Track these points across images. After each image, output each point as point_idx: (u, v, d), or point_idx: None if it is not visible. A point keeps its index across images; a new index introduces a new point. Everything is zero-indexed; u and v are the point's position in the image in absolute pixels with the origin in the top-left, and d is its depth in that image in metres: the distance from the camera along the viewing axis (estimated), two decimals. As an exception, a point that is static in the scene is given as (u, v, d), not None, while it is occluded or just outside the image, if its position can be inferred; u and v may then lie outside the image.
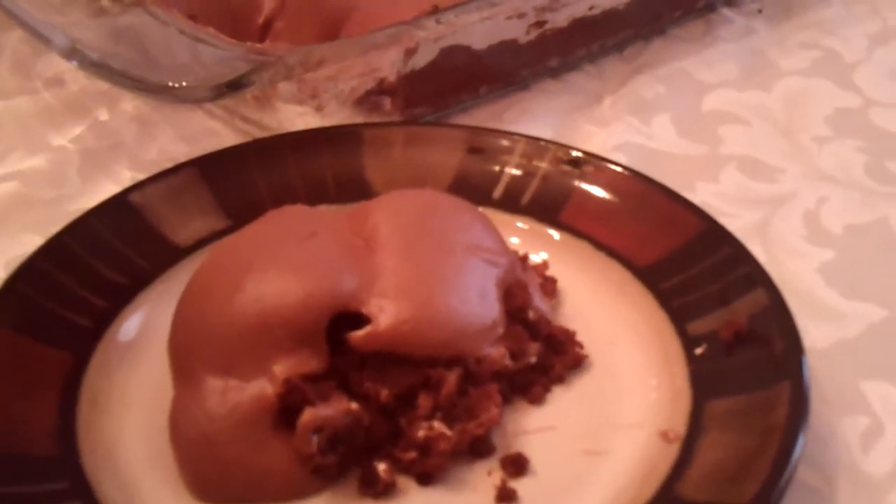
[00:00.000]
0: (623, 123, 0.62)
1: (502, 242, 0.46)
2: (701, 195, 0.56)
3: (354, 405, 0.40)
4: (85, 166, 0.59)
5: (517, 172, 0.53)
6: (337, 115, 0.59)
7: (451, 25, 0.56)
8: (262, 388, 0.40)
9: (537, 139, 0.54)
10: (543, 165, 0.53)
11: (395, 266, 0.42)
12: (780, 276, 0.47)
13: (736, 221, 0.54)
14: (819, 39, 0.70)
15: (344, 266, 0.42)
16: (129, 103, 0.64)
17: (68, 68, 0.67)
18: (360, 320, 0.41)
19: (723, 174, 0.59)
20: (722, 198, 0.57)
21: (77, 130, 0.62)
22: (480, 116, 0.63)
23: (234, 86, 0.52)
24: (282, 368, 0.40)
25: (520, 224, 0.51)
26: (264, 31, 0.63)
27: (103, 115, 0.63)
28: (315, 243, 0.43)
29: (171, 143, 0.61)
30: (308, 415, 0.39)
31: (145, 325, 0.47)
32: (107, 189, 0.57)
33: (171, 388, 0.43)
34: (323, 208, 0.50)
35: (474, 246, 0.44)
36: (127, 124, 0.62)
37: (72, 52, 0.54)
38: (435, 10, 0.56)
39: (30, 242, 0.53)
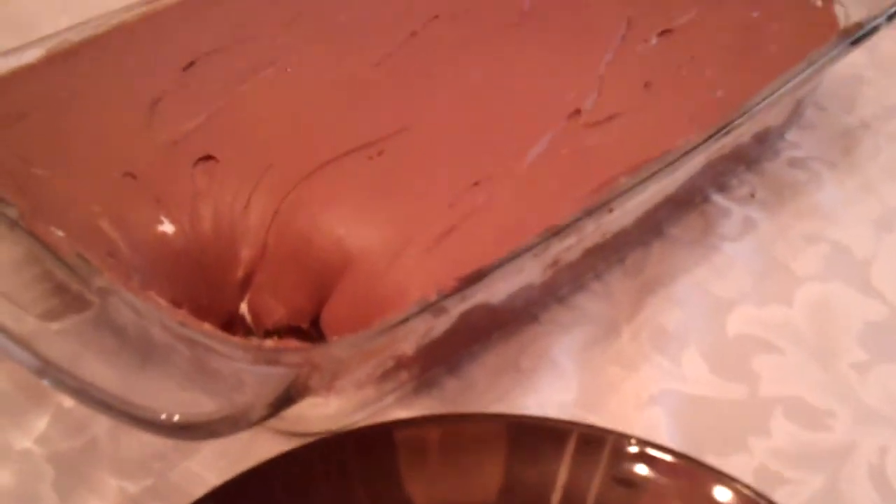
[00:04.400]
0: (650, 364, 0.57)
1: None
2: (757, 455, 0.52)
3: None
4: (60, 478, 0.51)
5: (574, 473, 0.47)
6: (350, 396, 0.53)
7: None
8: None
9: (589, 426, 0.49)
10: (602, 461, 0.47)
11: None
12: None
13: (803, 489, 0.50)
14: (822, 230, 0.67)
15: None
16: (94, 381, 0.56)
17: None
18: None
19: (772, 425, 0.54)
20: (780, 457, 0.52)
21: (40, 425, 0.53)
22: (496, 365, 0.57)
23: (276, 408, 0.44)
24: None
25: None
26: (244, 286, 0.57)
27: (67, 401, 0.55)
28: None
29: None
30: None
31: None
32: (92, 508, 0.50)
33: None
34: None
35: None
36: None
37: (43, 372, 0.46)
38: (460, 284, 0.50)
39: None
